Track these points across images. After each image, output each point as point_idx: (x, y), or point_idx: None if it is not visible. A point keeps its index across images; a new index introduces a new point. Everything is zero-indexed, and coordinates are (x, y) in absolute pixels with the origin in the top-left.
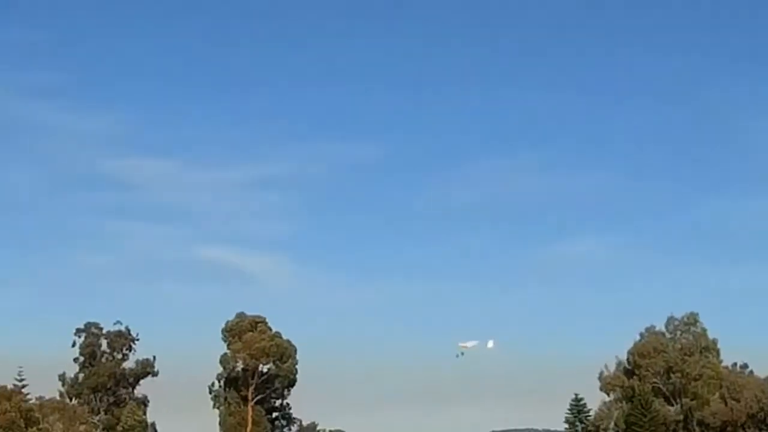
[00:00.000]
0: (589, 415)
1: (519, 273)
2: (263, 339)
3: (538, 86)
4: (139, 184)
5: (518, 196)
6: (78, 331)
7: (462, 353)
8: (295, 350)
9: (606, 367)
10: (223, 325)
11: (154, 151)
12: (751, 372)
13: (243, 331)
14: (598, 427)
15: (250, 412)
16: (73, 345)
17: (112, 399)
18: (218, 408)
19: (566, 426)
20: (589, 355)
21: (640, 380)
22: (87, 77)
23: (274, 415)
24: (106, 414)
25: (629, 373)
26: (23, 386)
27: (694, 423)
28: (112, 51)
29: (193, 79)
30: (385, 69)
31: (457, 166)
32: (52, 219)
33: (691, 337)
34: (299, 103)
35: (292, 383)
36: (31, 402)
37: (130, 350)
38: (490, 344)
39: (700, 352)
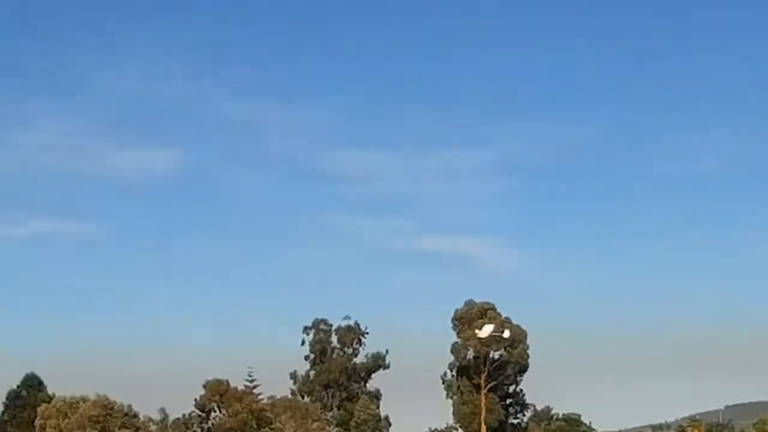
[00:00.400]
0: None
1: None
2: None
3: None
4: (361, 177)
5: (729, 166)
6: (306, 329)
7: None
8: (526, 335)
9: None
10: (452, 314)
11: (375, 143)
12: None
13: (473, 318)
14: None
15: (483, 400)
16: (303, 343)
17: (344, 394)
18: (451, 397)
19: None
20: None
21: None
22: (298, 73)
23: (508, 401)
24: (338, 410)
25: None
26: (254, 387)
27: None
28: (320, 45)
29: (405, 69)
30: (600, 42)
31: (679, 138)
32: (277, 215)
33: None
34: (517, 84)
35: (524, 369)
36: (262, 402)
37: (360, 344)
38: (506, 334)
39: None
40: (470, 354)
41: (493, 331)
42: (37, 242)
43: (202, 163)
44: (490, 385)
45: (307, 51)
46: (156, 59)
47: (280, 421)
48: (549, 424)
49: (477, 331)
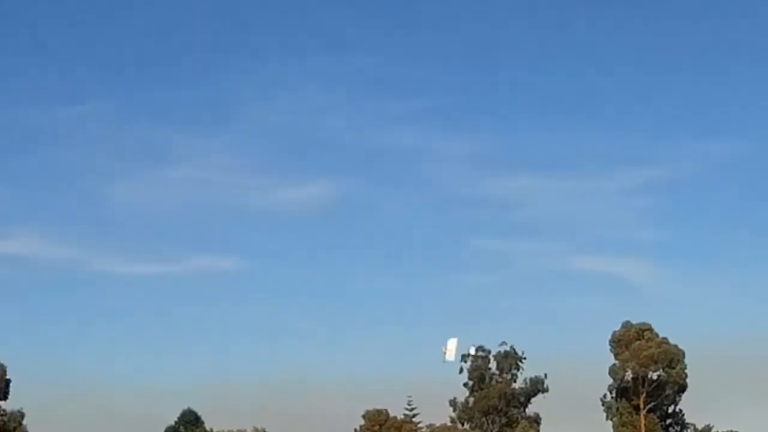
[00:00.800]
0: None
1: None
2: (650, 346)
3: None
4: (512, 200)
5: None
6: (464, 356)
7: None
8: (683, 354)
9: None
10: (609, 336)
11: (526, 166)
12: None
13: (630, 340)
14: None
15: (643, 421)
16: (461, 371)
17: (503, 420)
18: (611, 419)
19: None
20: None
21: None
22: (449, 102)
23: (668, 421)
24: None
25: None
26: (414, 415)
27: None
28: (467, 72)
29: (552, 91)
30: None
31: None
32: (432, 242)
33: None
34: (665, 102)
35: (683, 388)
36: (422, 430)
37: (518, 369)
38: (472, 350)
39: None
40: (629, 375)
41: (458, 347)
42: (193, 278)
43: (356, 193)
44: (649, 406)
45: (455, 80)
46: (309, 92)
47: None
48: None
49: (444, 351)
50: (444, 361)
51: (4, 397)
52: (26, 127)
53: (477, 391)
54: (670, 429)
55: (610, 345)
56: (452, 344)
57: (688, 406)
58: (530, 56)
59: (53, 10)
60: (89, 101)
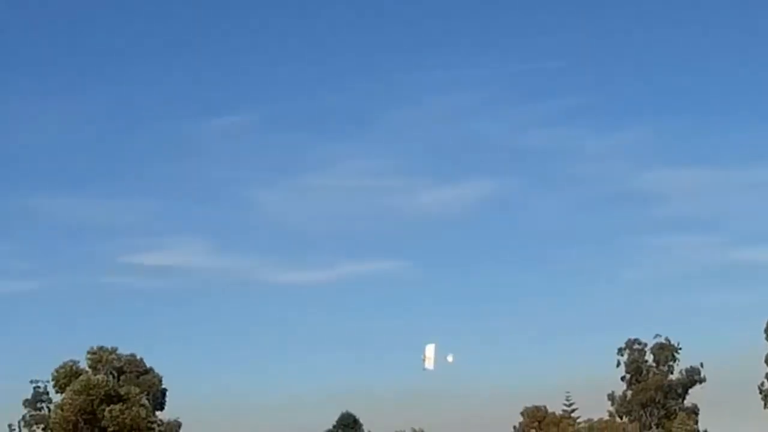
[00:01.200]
0: None
1: None
2: None
3: None
4: (664, 196)
5: None
6: (620, 350)
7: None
8: None
9: None
10: (764, 325)
11: (673, 162)
12: None
13: None
14: None
15: None
16: (618, 365)
17: (662, 412)
18: None
19: None
20: None
21: None
22: (596, 100)
23: None
24: (657, 428)
25: None
26: (572, 411)
27: None
28: (618, 75)
29: (705, 83)
30: None
31: None
32: (586, 239)
33: None
34: None
35: None
36: (580, 425)
37: (674, 361)
38: (450, 358)
39: None
40: None
41: (436, 354)
42: (346, 284)
43: (509, 193)
44: None
45: (602, 78)
46: (454, 94)
47: None
48: None
49: (423, 359)
50: (424, 369)
51: (161, 408)
52: (179, 137)
53: (634, 384)
54: None
55: (765, 333)
56: (430, 351)
57: None
58: (675, 53)
59: (202, 25)
60: (240, 112)
